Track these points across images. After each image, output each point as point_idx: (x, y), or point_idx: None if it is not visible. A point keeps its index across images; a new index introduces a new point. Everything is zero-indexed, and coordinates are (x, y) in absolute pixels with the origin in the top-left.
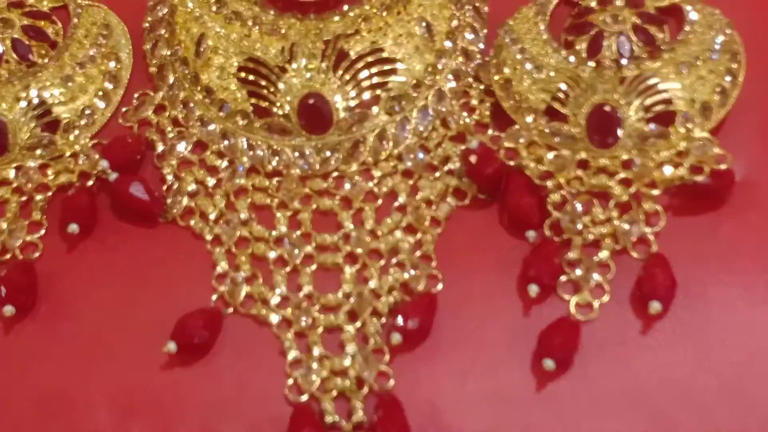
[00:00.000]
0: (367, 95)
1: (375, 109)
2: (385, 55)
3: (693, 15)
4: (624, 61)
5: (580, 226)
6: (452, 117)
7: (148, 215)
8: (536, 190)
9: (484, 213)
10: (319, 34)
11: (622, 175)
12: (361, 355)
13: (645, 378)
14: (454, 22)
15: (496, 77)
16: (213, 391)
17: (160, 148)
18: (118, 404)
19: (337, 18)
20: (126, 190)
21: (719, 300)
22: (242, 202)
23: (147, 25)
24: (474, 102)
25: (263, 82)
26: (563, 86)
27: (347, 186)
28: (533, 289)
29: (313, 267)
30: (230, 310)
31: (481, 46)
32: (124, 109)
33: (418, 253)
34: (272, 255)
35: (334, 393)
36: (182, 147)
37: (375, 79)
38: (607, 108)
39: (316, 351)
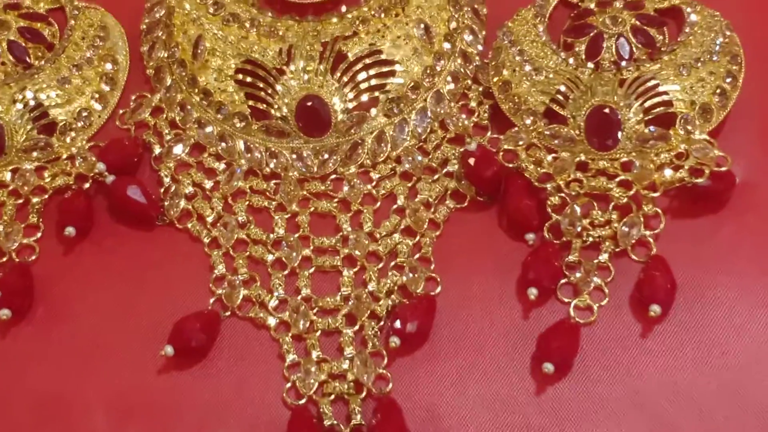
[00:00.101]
0: (365, 97)
1: (373, 111)
2: (383, 57)
3: (693, 17)
4: (623, 63)
5: (579, 229)
6: (451, 119)
7: (145, 218)
8: (535, 193)
9: (483, 215)
10: (317, 36)
11: (621, 177)
12: (360, 358)
13: (645, 381)
14: (453, 24)
15: (495, 79)
16: (211, 394)
17: (157, 150)
18: (115, 407)
19: (335, 20)
20: (123, 193)
21: (719, 302)
22: (240, 205)
23: (144, 27)
24: (473, 104)
25: (261, 84)
26: (562, 88)
27: (345, 188)
28: (533, 292)
29: (312, 270)
30: (228, 313)
31: (480, 47)
32: (121, 111)
33: (416, 256)
34: (270, 258)
35: (333, 396)
36: (179, 149)
37: (373, 81)
38: (606, 110)
39: (315, 354)
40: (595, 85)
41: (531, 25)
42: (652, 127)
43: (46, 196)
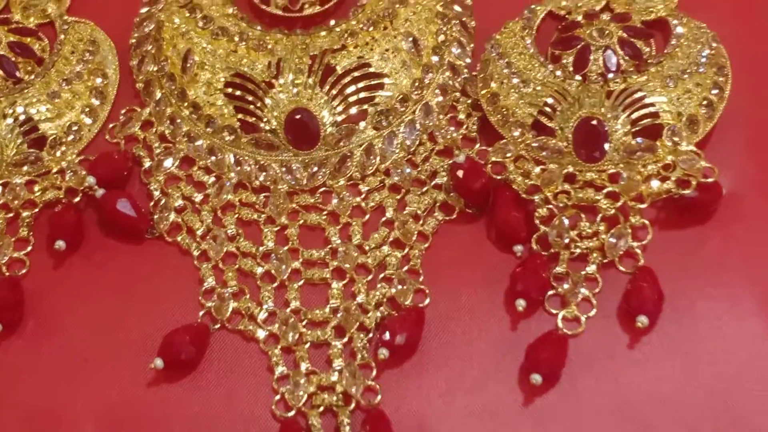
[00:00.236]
0: (354, 110)
1: (362, 124)
2: (372, 69)
3: (679, 29)
4: (610, 75)
5: (567, 240)
6: (439, 131)
7: (135, 231)
8: (523, 205)
9: (472, 227)
10: (305, 49)
11: (609, 188)
12: (349, 370)
13: (633, 392)
14: (441, 37)
15: (483, 91)
16: (200, 406)
17: (147, 163)
18: (105, 420)
19: (323, 33)
20: (113, 206)
21: (706, 313)
22: (229, 218)
23: (134, 41)
24: (461, 116)
25: (250, 98)
26: (550, 100)
27: (335, 201)
28: (521, 304)
29: (301, 282)
30: (217, 325)
31: (468, 60)
32: (111, 125)
33: (405, 268)
34: (259, 270)
35: (322, 408)
36: (169, 163)
37: (362, 94)
38: (593, 122)
39: (304, 366)
40: (582, 97)
41: (519, 37)
42: (639, 139)
43: (37, 210)
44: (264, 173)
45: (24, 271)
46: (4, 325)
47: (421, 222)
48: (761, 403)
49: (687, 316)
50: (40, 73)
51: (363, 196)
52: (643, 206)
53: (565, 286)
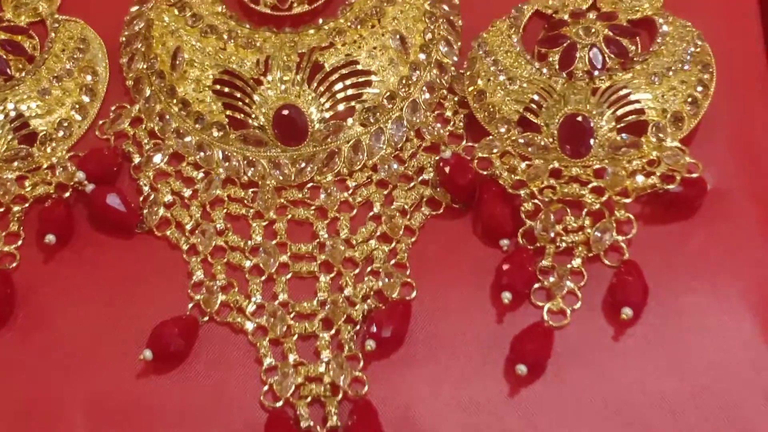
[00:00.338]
0: (341, 107)
1: (350, 121)
2: (359, 67)
3: (665, 27)
4: (596, 73)
5: (552, 235)
6: (426, 128)
7: (125, 226)
8: (510, 199)
9: (458, 222)
10: (294, 47)
11: (594, 183)
12: (336, 361)
13: (617, 383)
14: (428, 35)
15: (470, 89)
16: (189, 398)
17: (136, 159)
18: (94, 412)
19: (311, 31)
20: (102, 201)
21: (690, 306)
22: (218, 213)
23: (123, 39)
24: (448, 113)
25: (239, 94)
26: (536, 97)
27: (322, 196)
28: (506, 297)
29: (289, 275)
30: (206, 318)
31: (455, 58)
32: (100, 122)
33: (392, 262)
34: (248, 264)
35: (309, 399)
36: (158, 158)
37: (350, 91)
38: (579, 118)
39: (291, 358)
40: (568, 94)
41: (506, 36)
42: (624, 135)
43: (27, 205)
44: (252, 169)
45: (14, 264)
46: None
47: (408, 217)
48: (744, 393)
49: (671, 309)
50: (31, 71)
51: (350, 191)
52: (628, 201)
53: (551, 279)
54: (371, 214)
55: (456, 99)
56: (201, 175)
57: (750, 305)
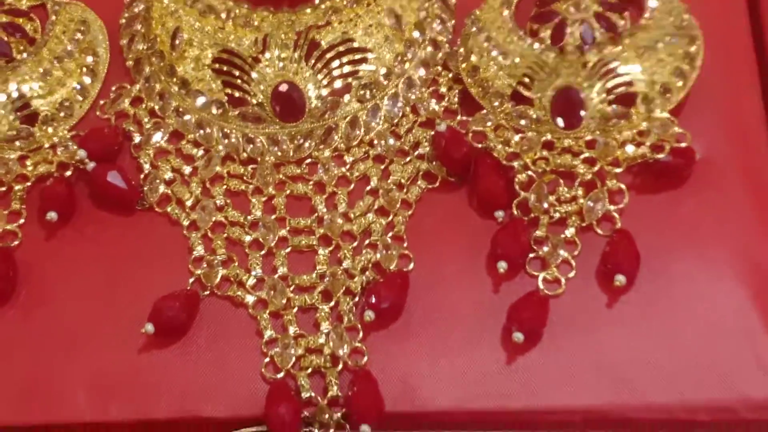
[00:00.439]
0: (338, 84)
1: (347, 97)
2: (355, 45)
3: (652, 2)
4: (586, 47)
5: (546, 205)
6: (422, 104)
7: (126, 203)
8: (504, 171)
9: (454, 195)
10: (291, 25)
11: (586, 154)
12: (336, 333)
13: (612, 349)
14: (423, 14)
15: (464, 65)
16: (191, 371)
17: (137, 138)
18: (96, 387)
19: (308, 10)
20: (104, 179)
21: (681, 273)
22: (218, 189)
23: (123, 21)
24: (443, 89)
25: (237, 73)
26: (528, 71)
27: (320, 171)
28: (502, 266)
29: (288, 249)
30: (207, 292)
31: (449, 36)
32: (101, 102)
33: (389, 234)
34: (248, 239)
35: (310, 370)
36: (158, 137)
37: (346, 68)
38: (570, 91)
39: (292, 330)
40: (559, 68)
41: (498, 12)
42: (614, 107)
43: (29, 184)
44: (251, 145)
45: (16, 242)
46: None
47: (404, 190)
48: (735, 358)
49: (663, 276)
50: (33, 52)
51: (348, 166)
52: (619, 170)
53: (545, 249)
54: (368, 188)
55: (450, 75)
56: (201, 152)
57: (737, 272)
